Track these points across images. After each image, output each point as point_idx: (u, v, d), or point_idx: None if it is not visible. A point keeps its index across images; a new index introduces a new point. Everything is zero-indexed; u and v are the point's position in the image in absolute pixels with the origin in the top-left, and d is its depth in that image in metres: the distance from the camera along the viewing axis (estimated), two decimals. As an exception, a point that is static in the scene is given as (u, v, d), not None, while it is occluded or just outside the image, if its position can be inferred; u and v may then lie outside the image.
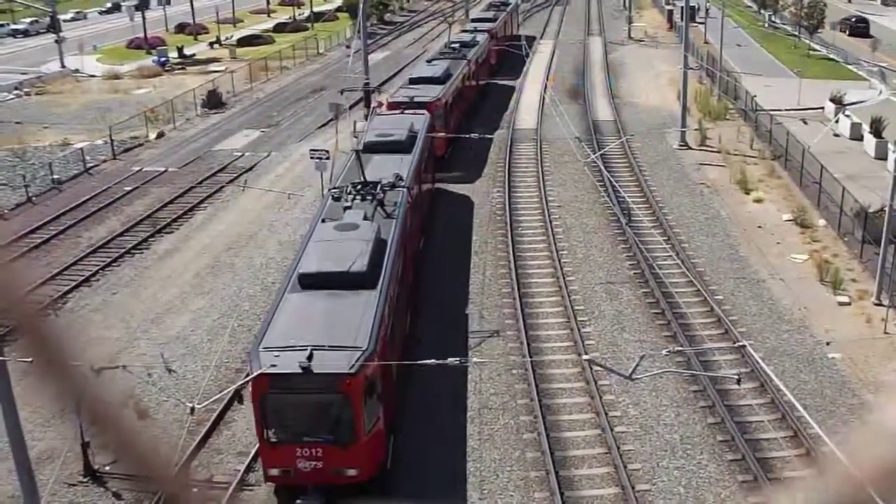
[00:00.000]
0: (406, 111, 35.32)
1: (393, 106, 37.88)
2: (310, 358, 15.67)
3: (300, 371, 15.56)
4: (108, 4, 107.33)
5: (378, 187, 24.06)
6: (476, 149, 40.74)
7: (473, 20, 67.03)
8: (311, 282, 18.54)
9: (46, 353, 1.60)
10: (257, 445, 17.38)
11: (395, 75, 60.50)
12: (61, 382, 1.62)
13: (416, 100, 37.47)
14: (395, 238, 21.56)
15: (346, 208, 22.74)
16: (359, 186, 24.08)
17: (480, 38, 55.02)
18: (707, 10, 76.75)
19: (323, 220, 22.07)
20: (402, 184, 25.34)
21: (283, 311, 17.79)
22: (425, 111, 35.55)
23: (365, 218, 21.73)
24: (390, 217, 22.84)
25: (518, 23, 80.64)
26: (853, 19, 78.66)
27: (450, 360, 17.34)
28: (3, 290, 1.55)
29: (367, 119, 42.04)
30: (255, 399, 16.38)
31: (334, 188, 25.07)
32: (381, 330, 17.23)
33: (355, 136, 39.33)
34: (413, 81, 42.27)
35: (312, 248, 20.30)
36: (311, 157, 32.71)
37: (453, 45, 50.86)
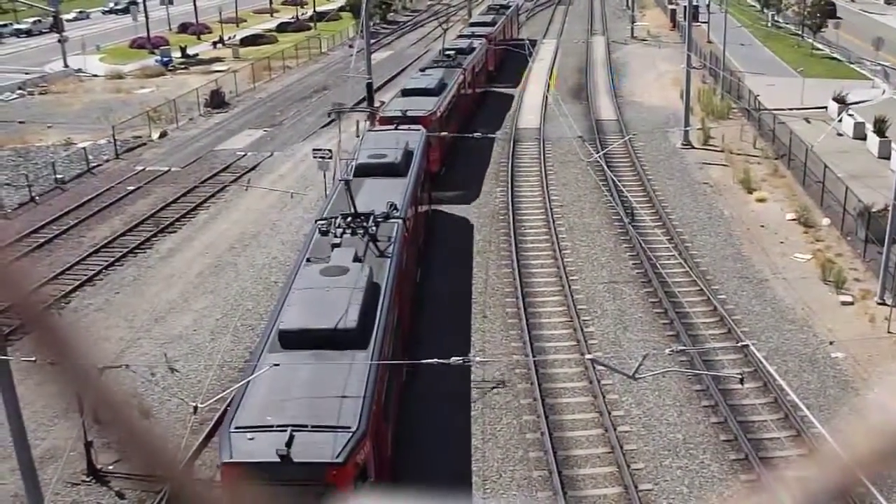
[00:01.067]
0: (399, 126, 32.76)
1: (385, 121, 35.26)
2: (290, 442, 13.42)
3: (278, 460, 13.32)
4: (112, 4, 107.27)
5: (370, 220, 21.60)
6: (475, 156, 40.42)
7: (471, 24, 64.71)
8: (292, 340, 16.21)
9: (56, 349, 1.60)
10: None
11: (398, 74, 60.50)
12: (71, 378, 1.63)
13: (409, 114, 34.82)
14: (390, 282, 19.23)
15: (334, 245, 20.21)
16: (349, 219, 21.59)
17: (477, 43, 52.66)
18: (708, 4, 76.50)
19: (308, 261, 19.79)
20: (397, 214, 22.95)
21: (259, 379, 15.32)
22: (420, 126, 33.18)
23: (356, 259, 19.35)
24: (384, 255, 20.53)
25: (519, 26, 78.58)
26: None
27: (452, 359, 17.24)
28: (12, 286, 1.55)
29: (370, 121, 41.88)
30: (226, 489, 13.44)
31: (322, 220, 22.51)
32: (374, 402, 15.10)
33: (357, 137, 39.10)
34: (405, 93, 39.69)
35: (295, 298, 17.75)
36: (314, 157, 32.76)
37: (448, 53, 48.03)
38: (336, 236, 20.85)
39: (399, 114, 34.87)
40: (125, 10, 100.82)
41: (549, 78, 59.08)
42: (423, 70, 44.84)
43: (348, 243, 20.42)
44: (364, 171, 26.59)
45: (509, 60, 60.88)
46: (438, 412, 20.24)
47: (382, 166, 27.03)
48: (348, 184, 22.26)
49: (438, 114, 36.75)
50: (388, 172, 26.64)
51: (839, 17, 71.56)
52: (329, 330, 16.30)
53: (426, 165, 31.64)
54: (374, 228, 21.31)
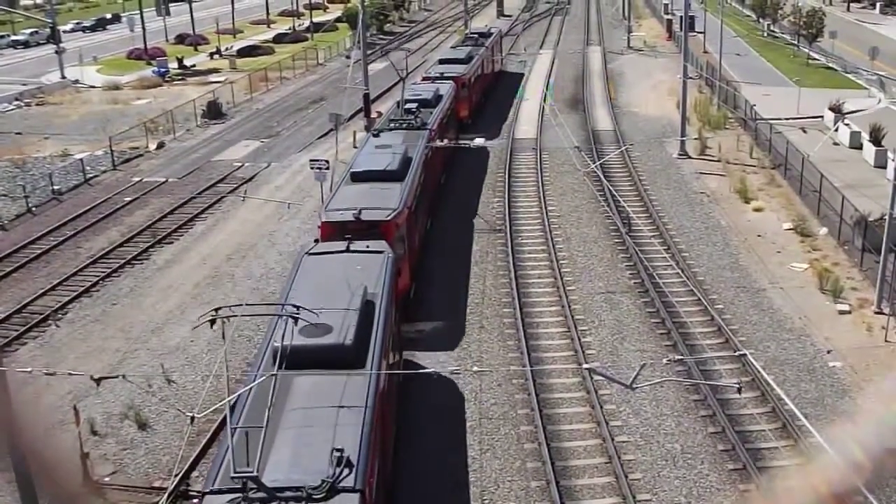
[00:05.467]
0: (352, 245, 20.56)
1: (330, 230, 23.74)
2: None
3: None
4: (93, 20, 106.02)
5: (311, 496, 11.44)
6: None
7: (441, 61, 52.04)
8: None
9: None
10: None
11: (394, 86, 60.50)
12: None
13: (364, 217, 23.88)
14: None
15: None
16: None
17: (445, 90, 41.66)
18: (700, 6, 76.47)
19: None
20: (350, 482, 11.89)
21: None
22: (383, 244, 21.15)
23: None
24: None
25: (503, 57, 67.86)
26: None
27: (450, 369, 17.16)
28: None
29: (367, 131, 41.68)
30: None
31: (212, 494, 11.81)
32: None
33: (355, 147, 38.98)
34: (356, 178, 27.41)
35: None
36: (312, 168, 32.78)
37: (409, 107, 35.74)
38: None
39: (352, 218, 23.86)
40: (94, 29, 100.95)
41: (546, 88, 59.12)
42: (376, 135, 32.77)
43: None
44: (297, 360, 14.62)
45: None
46: (435, 423, 20.20)
47: (324, 352, 15.14)
48: (274, 383, 12.59)
49: (406, 209, 25.53)
50: (334, 361, 15.01)
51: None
52: None
53: (393, 300, 19.27)
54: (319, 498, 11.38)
